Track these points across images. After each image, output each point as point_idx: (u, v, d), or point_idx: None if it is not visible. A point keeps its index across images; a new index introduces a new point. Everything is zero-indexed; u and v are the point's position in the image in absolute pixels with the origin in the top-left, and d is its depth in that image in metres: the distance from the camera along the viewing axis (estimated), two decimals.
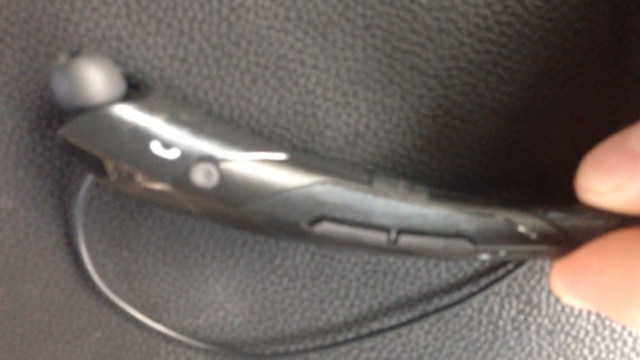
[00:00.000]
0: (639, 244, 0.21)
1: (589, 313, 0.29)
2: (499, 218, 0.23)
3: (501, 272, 0.29)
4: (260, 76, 0.26)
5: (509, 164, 0.27)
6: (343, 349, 0.31)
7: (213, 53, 0.26)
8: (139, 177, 0.22)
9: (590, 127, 0.26)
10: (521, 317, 0.30)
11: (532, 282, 0.29)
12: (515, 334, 0.30)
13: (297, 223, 0.23)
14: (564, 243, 0.23)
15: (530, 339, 0.30)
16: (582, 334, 0.30)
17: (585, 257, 0.22)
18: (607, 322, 0.29)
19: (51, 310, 0.31)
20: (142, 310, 0.30)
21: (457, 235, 0.23)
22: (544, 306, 0.29)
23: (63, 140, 0.22)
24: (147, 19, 0.26)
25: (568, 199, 0.23)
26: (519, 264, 0.28)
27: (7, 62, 0.26)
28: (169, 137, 0.23)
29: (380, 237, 0.24)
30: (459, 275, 0.29)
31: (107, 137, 0.22)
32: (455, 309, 0.29)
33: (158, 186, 0.22)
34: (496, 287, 0.29)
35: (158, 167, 0.22)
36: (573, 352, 0.30)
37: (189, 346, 0.31)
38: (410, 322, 0.29)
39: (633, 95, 0.26)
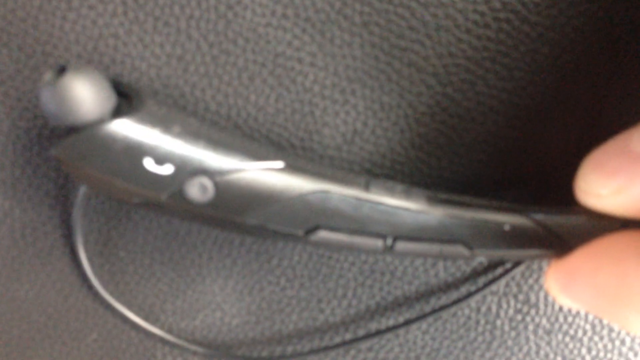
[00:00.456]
0: (633, 247, 0.20)
1: (587, 313, 0.29)
2: (496, 224, 0.23)
3: (499, 271, 0.28)
4: (258, 74, 0.26)
5: (508, 162, 0.27)
6: (340, 350, 0.31)
7: (210, 51, 0.26)
8: (134, 192, 0.22)
9: (590, 127, 0.26)
10: (519, 317, 0.29)
11: (530, 281, 0.29)
12: (513, 333, 0.30)
13: (293, 232, 0.23)
14: (561, 246, 0.23)
15: (528, 339, 0.30)
16: (580, 333, 0.30)
17: (580, 259, 0.22)
18: (605, 322, 0.29)
19: (48, 311, 0.31)
20: (139, 312, 0.30)
21: (454, 241, 0.23)
22: (541, 306, 0.29)
23: (56, 158, 0.22)
24: (144, 17, 0.25)
25: (566, 198, 0.23)
26: (516, 264, 0.28)
27: (3, 61, 0.26)
28: (161, 153, 0.22)
29: (376, 243, 0.24)
30: (457, 275, 0.29)
31: (100, 156, 0.22)
32: (453, 309, 0.29)
33: (153, 200, 0.22)
34: (494, 287, 0.29)
35: (152, 184, 0.22)
36: (571, 352, 0.30)
37: (185, 349, 0.31)
38: (407, 322, 0.29)
39: (634, 95, 0.26)
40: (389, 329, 0.29)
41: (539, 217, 0.23)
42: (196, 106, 0.26)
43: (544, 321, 0.29)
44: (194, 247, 0.29)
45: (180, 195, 0.22)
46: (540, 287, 0.29)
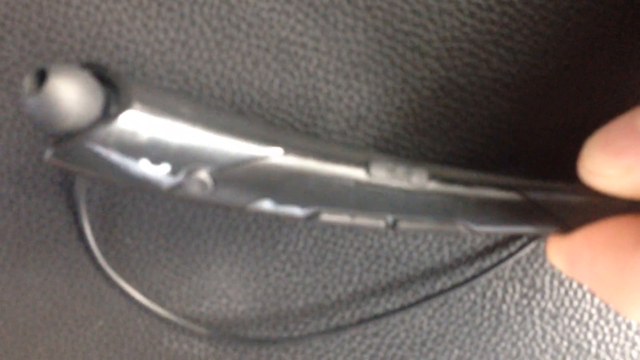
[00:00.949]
0: (631, 235, 0.20)
1: (593, 296, 0.29)
2: (496, 202, 0.23)
3: (505, 254, 0.28)
4: (262, 59, 0.26)
5: (512, 145, 0.27)
6: (346, 336, 0.31)
7: (214, 36, 0.26)
8: (132, 188, 0.22)
9: (593, 108, 0.26)
10: (525, 301, 0.29)
11: (536, 265, 0.29)
12: (519, 318, 0.30)
13: (296, 216, 0.23)
14: (561, 224, 0.23)
15: (534, 323, 0.30)
16: (586, 317, 0.29)
17: (579, 245, 0.22)
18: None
19: (54, 298, 0.31)
20: (147, 296, 0.30)
21: (455, 219, 0.23)
22: (547, 290, 0.29)
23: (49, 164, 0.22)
24: (147, 2, 0.25)
25: (569, 181, 0.23)
26: (522, 247, 0.28)
27: (7, 48, 0.26)
28: (156, 154, 0.21)
29: (378, 223, 0.24)
30: (462, 259, 0.29)
31: (94, 161, 0.21)
32: (458, 293, 0.29)
33: (152, 193, 0.22)
34: (499, 272, 0.29)
35: (150, 183, 0.22)
36: (577, 336, 0.30)
37: (191, 333, 0.31)
38: (412, 305, 0.29)
39: (637, 75, 0.25)
40: (395, 311, 0.29)
41: (539, 194, 0.23)
42: (200, 92, 0.26)
43: (549, 305, 0.29)
44: (200, 234, 0.29)
45: (179, 190, 0.22)
46: (546, 272, 0.29)
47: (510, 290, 0.29)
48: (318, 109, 0.27)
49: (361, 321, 0.30)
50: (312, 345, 0.31)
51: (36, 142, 0.28)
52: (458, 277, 0.29)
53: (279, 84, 0.27)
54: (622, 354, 0.30)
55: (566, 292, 0.29)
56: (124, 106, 0.20)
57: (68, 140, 0.20)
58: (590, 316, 0.29)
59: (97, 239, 0.30)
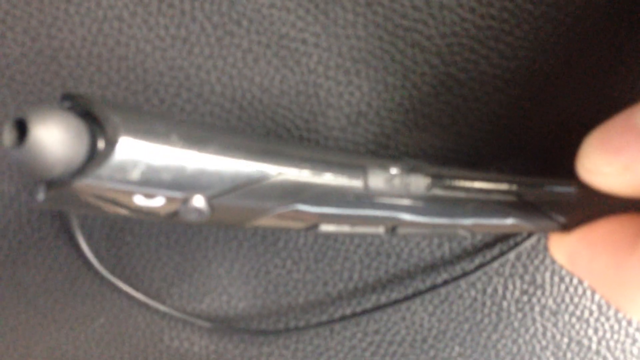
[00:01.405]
0: (628, 235, 0.20)
1: (594, 293, 0.29)
2: (496, 205, 0.23)
3: (505, 248, 0.28)
4: (262, 56, 0.26)
5: (511, 141, 0.27)
6: (347, 333, 0.31)
7: (215, 32, 0.26)
8: (128, 218, 0.22)
9: (593, 105, 0.26)
10: (525, 298, 0.29)
11: (536, 262, 0.29)
12: (520, 315, 0.30)
13: (295, 228, 0.23)
14: (563, 223, 0.23)
15: (534, 320, 0.30)
16: (586, 314, 0.29)
17: (577, 245, 0.22)
18: None
19: (55, 295, 0.31)
20: (146, 295, 0.30)
21: (454, 223, 0.23)
22: (547, 286, 0.29)
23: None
24: None
25: (568, 177, 0.23)
26: (521, 241, 0.28)
27: (8, 44, 0.26)
28: (149, 187, 0.20)
29: (378, 230, 0.24)
30: (463, 255, 0.29)
31: (85, 202, 0.20)
32: (459, 290, 0.29)
33: (149, 220, 0.22)
34: (500, 268, 0.29)
35: (146, 214, 0.21)
36: (578, 333, 0.30)
37: (192, 329, 0.31)
38: (413, 296, 0.29)
39: (636, 72, 0.26)
40: (395, 302, 0.29)
41: (537, 194, 0.23)
42: (201, 88, 0.26)
43: (550, 302, 0.29)
44: (200, 231, 0.30)
45: (175, 218, 0.22)
46: (547, 268, 0.29)
47: (510, 286, 0.29)
48: (319, 105, 0.27)
49: (363, 312, 0.30)
50: (313, 342, 0.31)
51: None
52: (459, 273, 0.29)
53: (279, 80, 0.27)
54: (623, 351, 0.30)
55: (567, 289, 0.29)
56: (111, 143, 0.19)
57: (57, 186, 0.19)
58: (591, 313, 0.29)
59: (98, 237, 0.30)
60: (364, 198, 0.23)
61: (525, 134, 0.26)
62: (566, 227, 0.23)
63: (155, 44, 0.26)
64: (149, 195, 0.20)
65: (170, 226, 0.29)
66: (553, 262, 0.29)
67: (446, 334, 0.30)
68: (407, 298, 0.29)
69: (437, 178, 0.23)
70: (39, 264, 0.30)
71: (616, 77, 0.25)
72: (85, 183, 0.19)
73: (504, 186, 0.23)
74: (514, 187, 0.23)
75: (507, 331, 0.30)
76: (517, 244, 0.28)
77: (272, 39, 0.26)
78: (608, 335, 0.30)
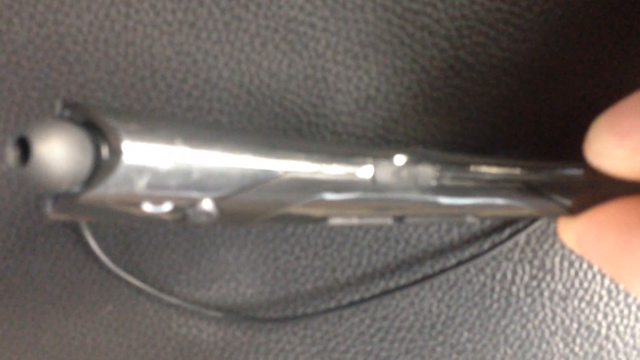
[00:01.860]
0: (634, 215, 0.20)
1: (603, 277, 0.29)
2: (504, 192, 0.23)
3: (513, 231, 0.28)
4: (270, 40, 0.26)
5: (520, 125, 0.27)
6: (355, 319, 0.31)
7: (222, 17, 0.26)
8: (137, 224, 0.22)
9: (603, 87, 0.26)
10: (534, 283, 0.29)
11: (545, 246, 0.29)
12: (529, 300, 0.30)
13: (303, 224, 0.23)
14: (570, 207, 0.23)
15: (543, 305, 0.30)
16: (596, 299, 0.29)
17: (585, 227, 0.22)
18: (621, 287, 0.29)
19: (62, 283, 0.31)
20: (154, 283, 0.30)
21: (462, 211, 0.23)
22: (557, 271, 0.29)
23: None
24: None
25: (577, 161, 0.23)
26: (527, 224, 0.28)
27: (14, 30, 0.26)
28: (157, 195, 0.20)
29: (386, 221, 0.24)
30: (472, 240, 0.29)
31: (93, 211, 0.20)
32: (467, 276, 0.29)
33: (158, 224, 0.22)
34: (509, 253, 0.29)
35: (155, 219, 0.21)
36: (587, 318, 0.30)
37: (200, 317, 0.31)
38: (418, 282, 0.29)
39: None
40: (402, 287, 0.29)
41: (545, 178, 0.23)
42: (208, 73, 0.26)
43: (559, 287, 0.29)
44: None
45: (185, 221, 0.22)
46: (556, 253, 0.29)
47: (519, 271, 0.29)
48: (327, 90, 0.27)
49: (372, 297, 0.30)
50: (321, 328, 0.31)
51: None
52: (467, 258, 0.29)
53: (287, 64, 0.26)
54: (632, 335, 0.30)
55: (576, 274, 0.29)
56: (115, 152, 0.19)
57: (65, 200, 0.19)
58: (600, 298, 0.29)
59: (105, 226, 0.29)
60: (372, 191, 0.23)
61: (534, 117, 0.26)
62: (574, 211, 0.23)
63: (162, 29, 0.26)
64: (156, 201, 0.20)
65: None
66: (562, 247, 0.28)
67: (455, 320, 0.30)
68: (415, 282, 0.29)
69: (445, 168, 0.23)
70: (47, 251, 0.30)
71: (627, 60, 0.25)
72: (92, 195, 0.19)
73: (511, 171, 0.23)
74: (521, 172, 0.23)
75: (516, 316, 0.30)
76: (525, 227, 0.28)
77: (280, 23, 0.26)
78: (618, 320, 0.29)
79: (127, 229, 0.30)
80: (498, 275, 0.29)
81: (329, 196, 0.23)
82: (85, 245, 0.30)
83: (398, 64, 0.26)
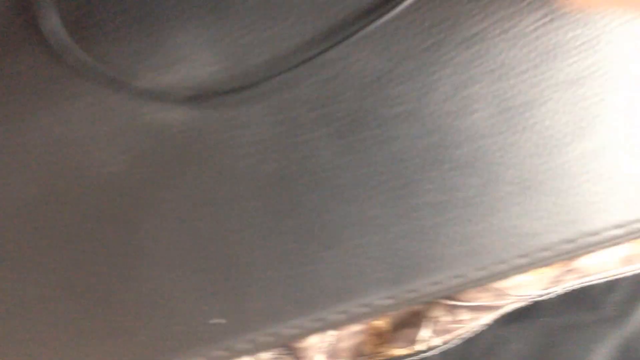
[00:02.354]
0: None
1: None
2: None
3: None
4: None
5: None
6: (311, 80, 0.34)
7: None
8: None
9: None
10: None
11: None
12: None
13: None
14: None
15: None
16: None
17: None
18: None
19: (40, 79, 0.34)
20: (121, 70, 0.33)
21: None
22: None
23: None
24: None
25: None
26: None
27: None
28: None
29: None
30: None
31: None
32: (402, 30, 0.33)
33: None
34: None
35: None
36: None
37: (169, 100, 0.34)
38: (360, 30, 0.32)
39: None
40: (345, 38, 0.33)
41: None
42: None
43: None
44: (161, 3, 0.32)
45: None
46: None
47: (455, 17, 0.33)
48: None
49: (320, 52, 0.33)
50: (282, 94, 0.34)
51: None
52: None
53: None
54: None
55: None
56: None
57: None
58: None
59: (70, 18, 0.32)
60: None
61: None
62: None
63: None
64: None
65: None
66: None
67: (393, 72, 0.34)
68: (355, 33, 0.32)
69: None
70: (17, 55, 0.33)
71: None
72: None
73: None
74: None
75: (448, 70, 0.34)
76: None
77: None
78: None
79: (91, 20, 0.32)
80: (427, 24, 0.33)
81: None
82: (56, 37, 0.32)
83: None
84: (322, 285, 0.34)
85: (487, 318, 0.42)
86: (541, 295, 0.42)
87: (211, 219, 0.34)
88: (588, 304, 0.45)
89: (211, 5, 0.32)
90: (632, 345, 0.45)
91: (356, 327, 0.42)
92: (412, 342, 0.42)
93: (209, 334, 0.34)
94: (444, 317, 0.42)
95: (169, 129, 0.34)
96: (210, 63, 0.33)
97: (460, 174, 0.34)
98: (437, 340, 0.42)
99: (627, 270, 0.42)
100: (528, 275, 0.40)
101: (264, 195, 0.34)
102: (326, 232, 0.34)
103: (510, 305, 0.42)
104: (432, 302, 0.42)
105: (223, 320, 0.33)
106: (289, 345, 0.41)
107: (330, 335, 0.41)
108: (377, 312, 0.35)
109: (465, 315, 0.42)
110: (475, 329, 0.43)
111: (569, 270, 0.42)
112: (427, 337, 0.42)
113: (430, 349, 0.43)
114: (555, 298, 0.43)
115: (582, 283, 0.42)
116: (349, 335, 0.42)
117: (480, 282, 0.35)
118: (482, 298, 0.41)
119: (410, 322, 0.42)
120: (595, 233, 0.35)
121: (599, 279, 0.42)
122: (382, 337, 0.43)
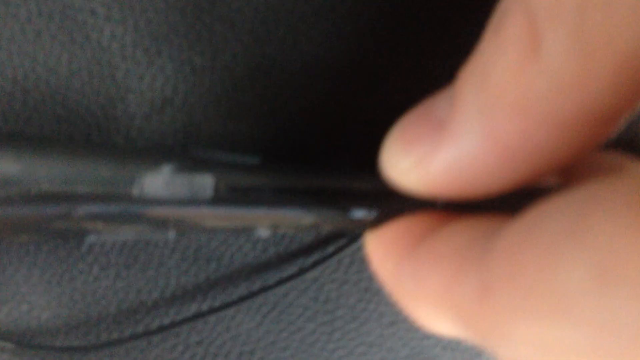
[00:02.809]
0: (412, 234, 0.17)
1: None
2: (296, 213, 0.20)
3: (334, 249, 0.25)
4: (45, 29, 0.22)
5: (339, 131, 0.23)
6: (167, 344, 0.27)
7: None
8: None
9: (429, 88, 0.22)
10: (361, 306, 0.26)
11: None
12: (355, 323, 0.26)
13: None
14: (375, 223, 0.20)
15: (370, 330, 0.26)
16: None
17: (372, 244, 0.19)
18: None
19: None
20: None
21: (251, 228, 0.20)
22: (385, 294, 0.26)
23: None
24: None
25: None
26: (351, 240, 0.24)
27: None
28: None
29: (168, 235, 0.20)
30: (291, 259, 0.25)
31: None
32: (289, 298, 0.26)
33: None
34: (333, 274, 0.25)
35: None
36: (418, 343, 0.27)
37: None
38: (230, 304, 0.25)
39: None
40: (215, 310, 0.25)
41: (339, 185, 0.20)
42: None
43: (388, 310, 0.26)
44: None
45: None
46: None
47: (345, 293, 0.26)
48: (116, 89, 0.23)
49: (183, 321, 0.26)
50: (130, 355, 0.27)
51: None
52: (285, 275, 0.26)
53: (67, 58, 0.22)
54: None
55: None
56: None
57: None
58: None
59: None
60: (138, 204, 0.19)
61: (354, 124, 0.23)
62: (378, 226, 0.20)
63: None
64: None
65: None
66: None
67: (276, 345, 0.27)
68: (229, 304, 0.25)
69: (225, 175, 0.19)
70: None
71: (452, 58, 0.22)
72: None
73: (305, 185, 0.19)
74: (318, 185, 0.19)
75: (342, 341, 0.27)
76: (350, 244, 0.24)
77: (55, 9, 0.21)
78: (453, 345, 0.27)
79: None
80: (321, 297, 0.26)
81: (86, 209, 0.19)
82: None
83: (197, 60, 0.22)
84: None
85: None
86: None
87: None
88: None
89: (55, 243, 0.24)
90: None
91: None
92: None
93: None
94: None
95: None
96: (43, 308, 0.26)
97: None
98: None
99: None
100: None
101: None
102: None
103: None
104: None
105: None
106: None
107: None
108: None
109: None
110: None
111: None
112: None
113: None
114: None
115: None
116: None
117: None
118: None
119: None
120: None
121: None
122: None
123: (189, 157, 0.20)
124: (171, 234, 0.20)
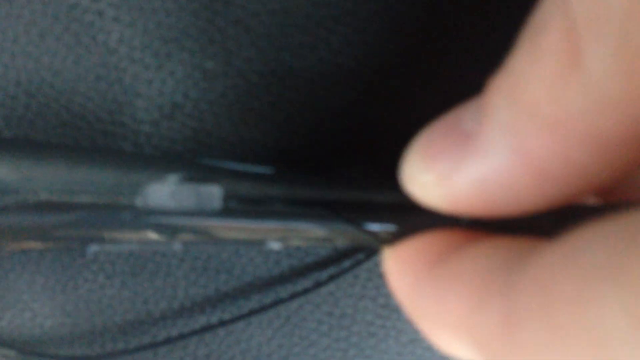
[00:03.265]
0: (432, 252, 0.16)
1: None
2: (308, 226, 0.18)
3: (351, 263, 0.24)
4: (49, 30, 0.21)
5: (356, 140, 0.22)
6: (174, 355, 0.26)
7: None
8: None
9: (451, 97, 0.21)
10: (378, 322, 0.25)
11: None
12: (372, 340, 0.25)
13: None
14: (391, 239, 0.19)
15: (388, 347, 0.25)
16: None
17: (390, 261, 0.18)
18: None
19: None
20: None
21: (262, 242, 0.19)
22: (402, 309, 0.25)
23: None
24: None
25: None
26: (369, 255, 0.23)
27: None
28: None
29: (174, 247, 0.19)
30: (305, 272, 0.24)
31: None
32: (302, 312, 0.25)
33: None
34: (349, 288, 0.24)
35: None
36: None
37: None
38: (241, 317, 0.24)
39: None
40: (225, 322, 0.24)
41: (356, 213, 0.18)
42: None
43: (407, 327, 0.25)
44: None
45: None
46: None
47: (361, 309, 0.25)
48: (124, 94, 0.21)
49: (191, 333, 0.25)
50: None
51: None
52: (298, 288, 0.24)
53: (73, 61, 0.21)
54: None
55: None
56: None
57: None
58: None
59: None
60: (144, 213, 0.18)
61: (371, 133, 0.21)
62: (396, 242, 0.19)
63: None
64: None
65: None
66: None
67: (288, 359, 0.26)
68: (239, 318, 0.24)
69: (235, 186, 0.18)
70: None
71: (475, 67, 0.20)
72: None
73: (318, 196, 0.18)
74: (330, 198, 0.18)
75: (358, 358, 0.25)
76: (367, 258, 0.23)
77: (61, 9, 0.20)
78: None
79: None
80: (337, 312, 0.25)
81: (85, 219, 0.19)
82: None
83: (208, 65, 0.21)
84: None
85: None
86: None
87: None
88: None
89: (59, 250, 0.23)
90: None
91: None
92: None
93: None
94: None
95: None
96: (47, 316, 0.25)
97: None
98: None
99: None
100: None
101: None
102: None
103: None
104: None
105: None
106: None
107: None
108: None
109: None
110: None
111: None
112: None
113: None
114: None
115: None
116: None
117: None
118: None
119: None
120: None
121: None
122: None
123: (197, 166, 0.19)
124: (177, 246, 0.19)
